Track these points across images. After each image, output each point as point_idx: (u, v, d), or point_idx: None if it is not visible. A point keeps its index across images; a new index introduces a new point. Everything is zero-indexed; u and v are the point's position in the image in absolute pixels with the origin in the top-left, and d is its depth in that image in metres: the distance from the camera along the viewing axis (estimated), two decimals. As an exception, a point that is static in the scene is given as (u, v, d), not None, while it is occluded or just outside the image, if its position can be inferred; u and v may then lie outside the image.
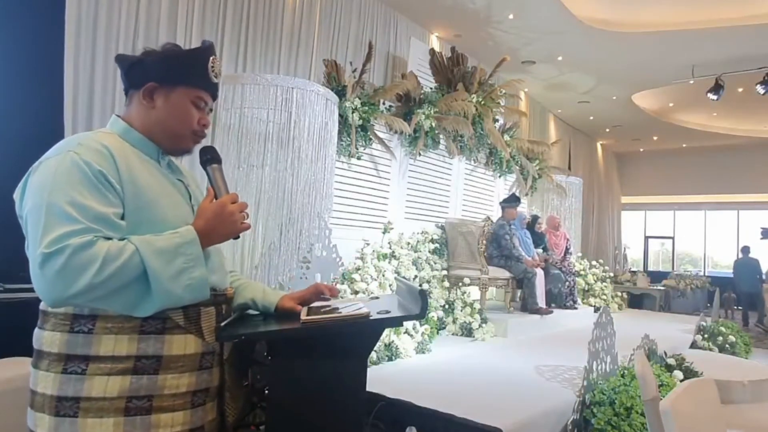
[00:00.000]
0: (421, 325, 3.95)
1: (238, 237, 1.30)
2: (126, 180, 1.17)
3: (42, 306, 1.18)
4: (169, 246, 1.13)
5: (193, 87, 1.31)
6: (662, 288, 10.22)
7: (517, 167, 7.13)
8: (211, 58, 1.33)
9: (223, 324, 1.27)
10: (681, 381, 3.10)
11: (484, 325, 4.67)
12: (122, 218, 1.15)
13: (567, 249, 6.73)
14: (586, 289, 7.27)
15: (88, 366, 1.11)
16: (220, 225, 1.24)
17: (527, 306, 5.51)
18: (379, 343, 3.35)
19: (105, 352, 1.12)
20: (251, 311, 1.47)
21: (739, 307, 10.47)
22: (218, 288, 1.30)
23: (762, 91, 7.80)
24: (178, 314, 1.18)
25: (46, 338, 1.14)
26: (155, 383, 1.14)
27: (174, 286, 1.12)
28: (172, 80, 1.28)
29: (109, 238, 1.09)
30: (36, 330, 1.18)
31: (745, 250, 10.47)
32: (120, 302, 1.10)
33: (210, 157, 1.35)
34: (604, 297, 7.35)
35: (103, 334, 1.12)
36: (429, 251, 5.29)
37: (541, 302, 5.63)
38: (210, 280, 1.22)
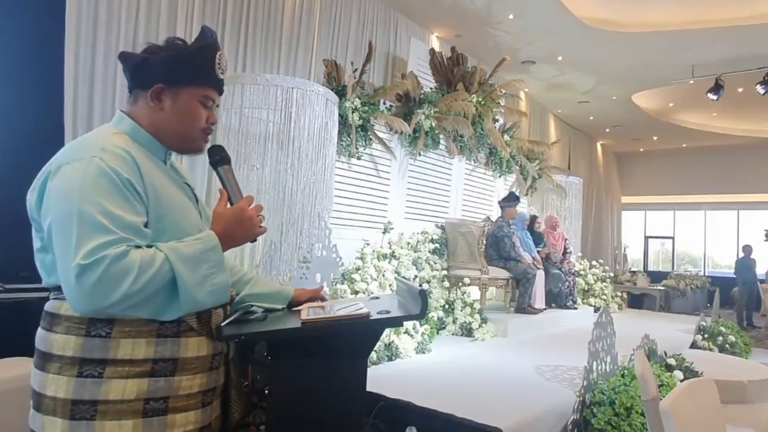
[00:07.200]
0: (421, 325, 3.94)
1: (255, 240, 1.30)
2: (149, 188, 1.17)
3: (51, 308, 1.16)
4: (193, 253, 1.14)
5: (201, 86, 1.28)
6: (662, 288, 10.21)
7: (517, 167, 7.13)
8: (218, 54, 1.29)
9: (223, 324, 1.27)
10: (681, 381, 3.10)
11: (484, 325, 4.66)
12: (146, 226, 1.15)
13: (566, 249, 6.72)
14: (586, 289, 7.26)
15: (105, 369, 1.10)
16: (240, 230, 1.25)
17: (519, 304, 5.49)
18: (379, 343, 3.35)
19: (123, 356, 1.11)
20: (251, 311, 1.46)
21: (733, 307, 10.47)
22: None
23: (762, 91, 7.80)
24: (191, 317, 1.19)
25: (57, 342, 1.12)
26: (171, 385, 1.16)
27: (198, 292, 1.13)
28: (180, 81, 1.25)
29: (139, 246, 1.09)
30: (42, 332, 1.16)
31: (746, 248, 10.43)
32: (150, 308, 1.10)
33: (220, 158, 1.34)
34: (604, 297, 7.34)
35: (120, 337, 1.12)
36: (429, 251, 5.28)
37: (541, 302, 5.62)
38: None
